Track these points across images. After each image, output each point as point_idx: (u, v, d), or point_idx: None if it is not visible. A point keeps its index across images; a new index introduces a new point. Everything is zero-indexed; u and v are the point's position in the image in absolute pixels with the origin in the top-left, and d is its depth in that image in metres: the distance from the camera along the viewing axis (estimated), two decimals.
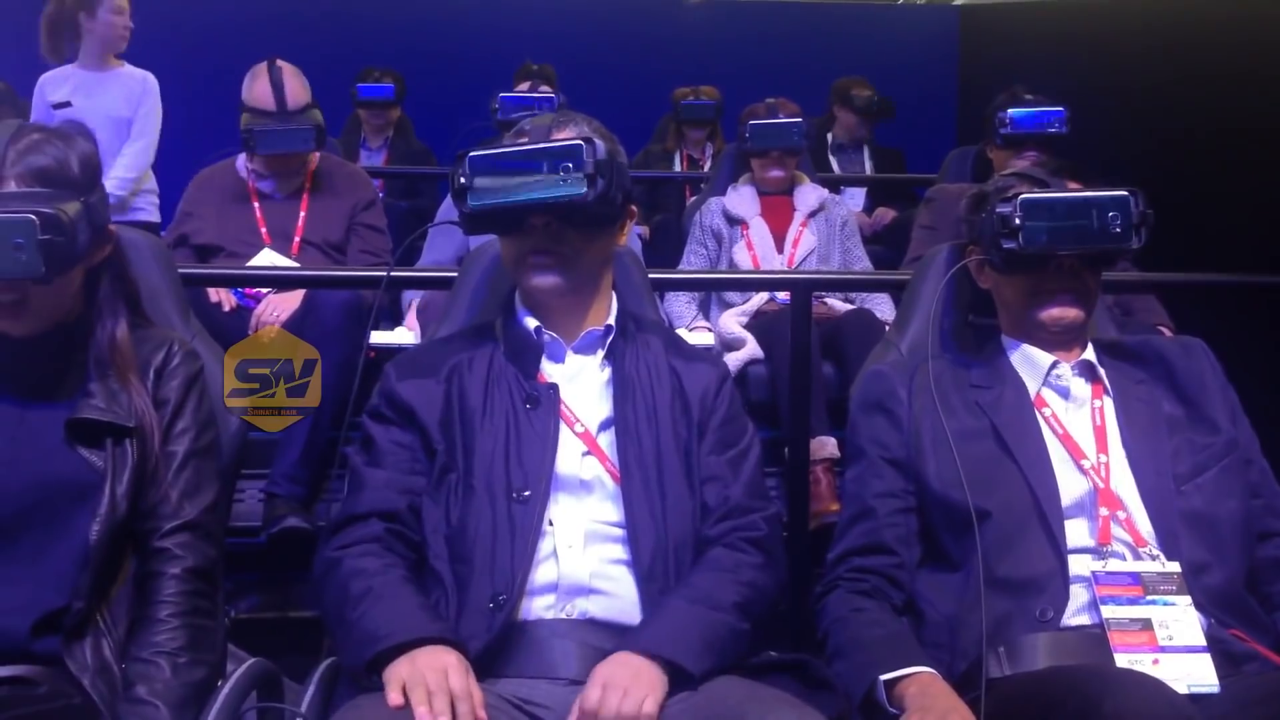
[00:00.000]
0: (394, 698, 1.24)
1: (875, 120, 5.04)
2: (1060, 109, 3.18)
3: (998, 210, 1.59)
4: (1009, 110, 3.18)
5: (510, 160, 1.47)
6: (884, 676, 1.40)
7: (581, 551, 1.45)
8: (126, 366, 1.47)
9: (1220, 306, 3.01)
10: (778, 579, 1.52)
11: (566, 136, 1.50)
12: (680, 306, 3.29)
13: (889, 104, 5.01)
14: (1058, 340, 1.63)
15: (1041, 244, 1.57)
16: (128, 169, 3.71)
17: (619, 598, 1.44)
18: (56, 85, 3.75)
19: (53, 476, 1.40)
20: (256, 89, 2.93)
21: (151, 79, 3.83)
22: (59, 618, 1.36)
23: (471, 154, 1.47)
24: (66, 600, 1.37)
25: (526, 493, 1.44)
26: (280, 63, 2.97)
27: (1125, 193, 1.58)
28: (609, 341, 1.57)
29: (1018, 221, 1.56)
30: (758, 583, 1.47)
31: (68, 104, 3.69)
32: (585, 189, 1.44)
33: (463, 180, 1.47)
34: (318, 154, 3.08)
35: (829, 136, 5.04)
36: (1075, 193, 1.60)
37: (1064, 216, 1.57)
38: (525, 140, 1.51)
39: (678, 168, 5.01)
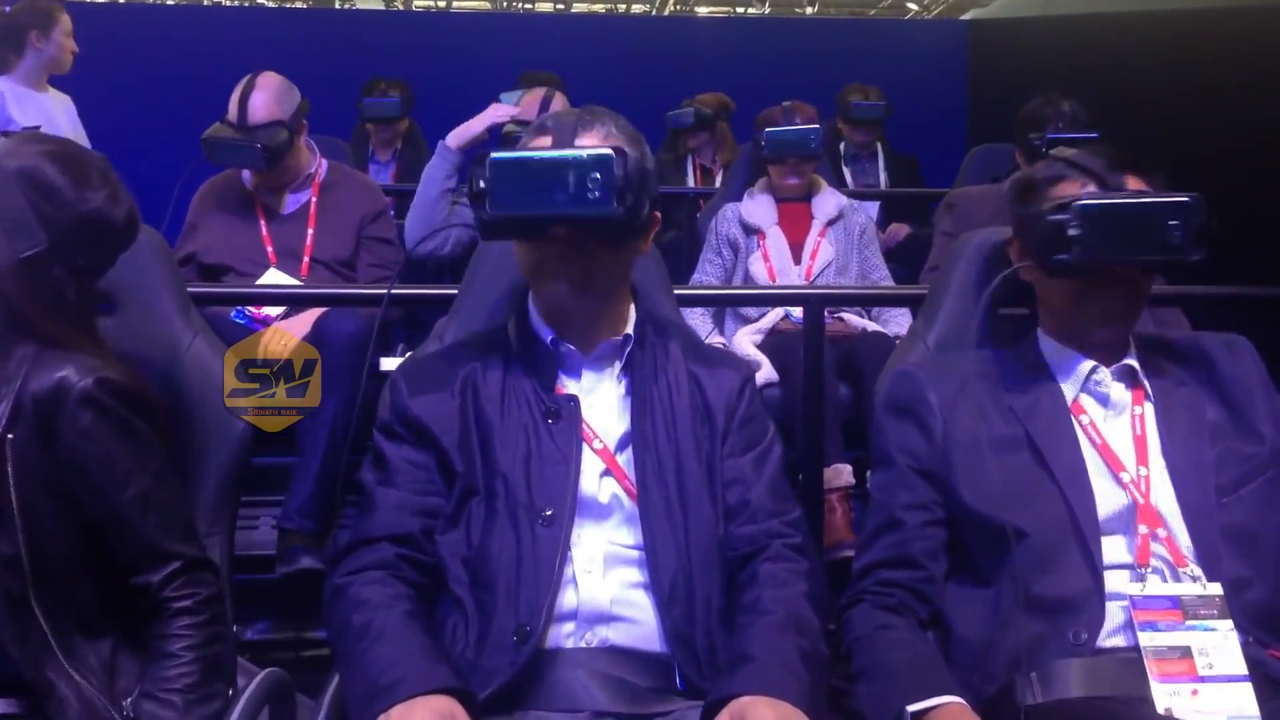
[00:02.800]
0: None
1: (864, 125, 4.99)
2: (1094, 134, 3.13)
3: (1049, 219, 1.49)
4: (1044, 134, 3.13)
5: (536, 167, 1.39)
6: (911, 708, 1.34)
7: (601, 577, 1.40)
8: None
9: (1243, 320, 2.96)
10: (823, 583, 1.47)
11: (593, 142, 1.44)
12: (694, 320, 3.25)
13: (877, 109, 4.96)
14: (1100, 345, 1.57)
15: (1096, 258, 1.48)
16: None
17: (641, 624, 1.39)
18: (20, 103, 3.69)
19: None
20: (232, 98, 2.92)
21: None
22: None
23: (494, 156, 1.39)
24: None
25: (549, 513, 1.40)
26: (262, 76, 2.93)
27: (1187, 198, 1.47)
28: (627, 352, 1.52)
29: (1072, 233, 1.46)
30: (815, 594, 1.42)
31: (38, 128, 3.66)
32: (615, 205, 1.37)
33: (483, 184, 1.39)
34: (325, 165, 3.05)
35: (841, 147, 5.00)
36: (1134, 198, 1.50)
37: (1122, 226, 1.47)
38: (549, 140, 1.45)
39: (689, 177, 4.98)
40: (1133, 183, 1.54)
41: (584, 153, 1.38)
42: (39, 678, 1.32)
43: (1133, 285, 1.54)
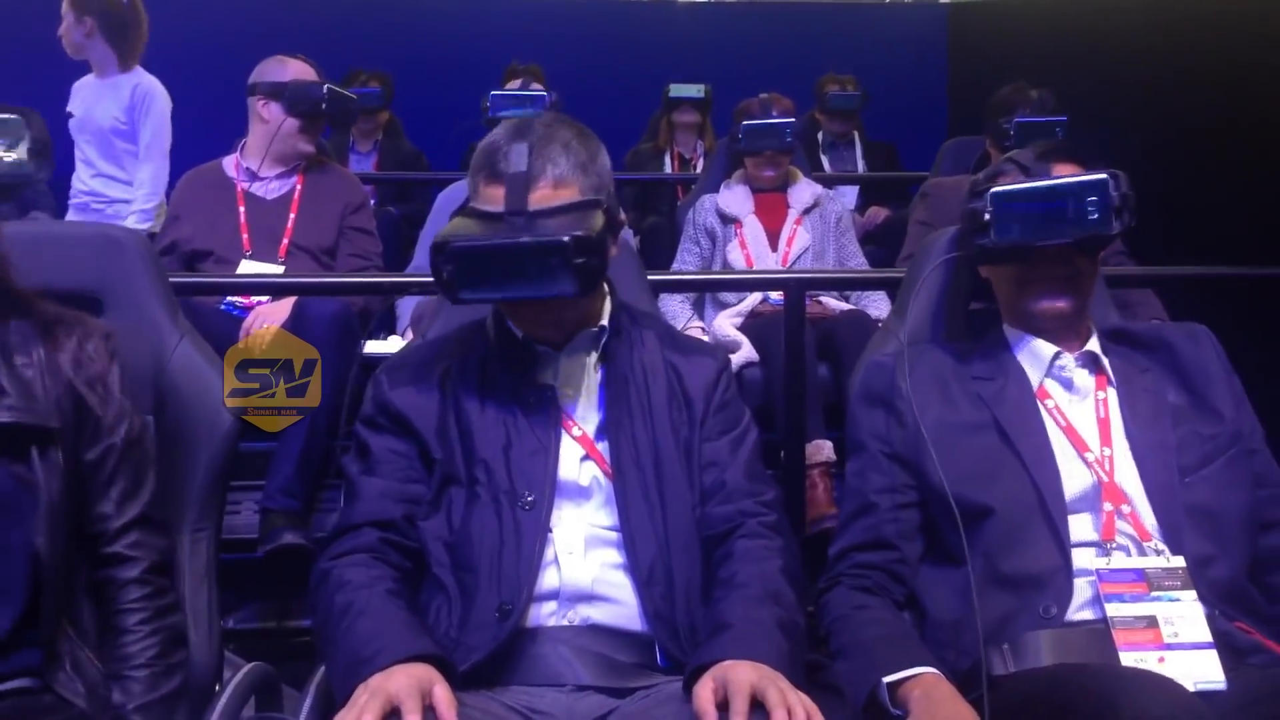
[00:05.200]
0: (346, 716, 1.18)
1: (840, 116, 5.02)
2: (1062, 117, 3.18)
3: (970, 206, 1.57)
4: (1013, 119, 3.17)
5: (497, 256, 1.39)
6: (887, 679, 1.38)
7: (582, 558, 1.43)
8: (37, 359, 1.37)
9: (1217, 300, 3.00)
10: (798, 559, 1.49)
11: (547, 192, 1.43)
12: (674, 306, 3.27)
13: (852, 99, 4.98)
14: (1054, 329, 1.62)
15: (1014, 237, 1.54)
16: (146, 198, 3.70)
17: (621, 603, 1.42)
18: (75, 94, 3.80)
19: None
20: (292, 67, 2.98)
21: (155, 88, 3.79)
22: (19, 641, 1.30)
23: (454, 245, 1.38)
24: (13, 623, 1.29)
25: (530, 498, 1.43)
26: None
27: (1103, 176, 1.54)
28: (603, 342, 1.55)
29: (987, 217, 1.54)
30: (791, 569, 1.45)
31: (70, 115, 3.75)
32: (576, 286, 1.38)
33: (446, 275, 1.40)
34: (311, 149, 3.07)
35: (819, 135, 5.02)
36: (1047, 180, 1.56)
37: (1036, 207, 1.53)
38: (500, 193, 1.42)
39: (668, 166, 4.99)
40: (1064, 170, 1.60)
41: (540, 240, 1.38)
42: (51, 655, 1.32)
43: (1069, 265, 1.59)
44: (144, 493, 1.42)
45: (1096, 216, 1.52)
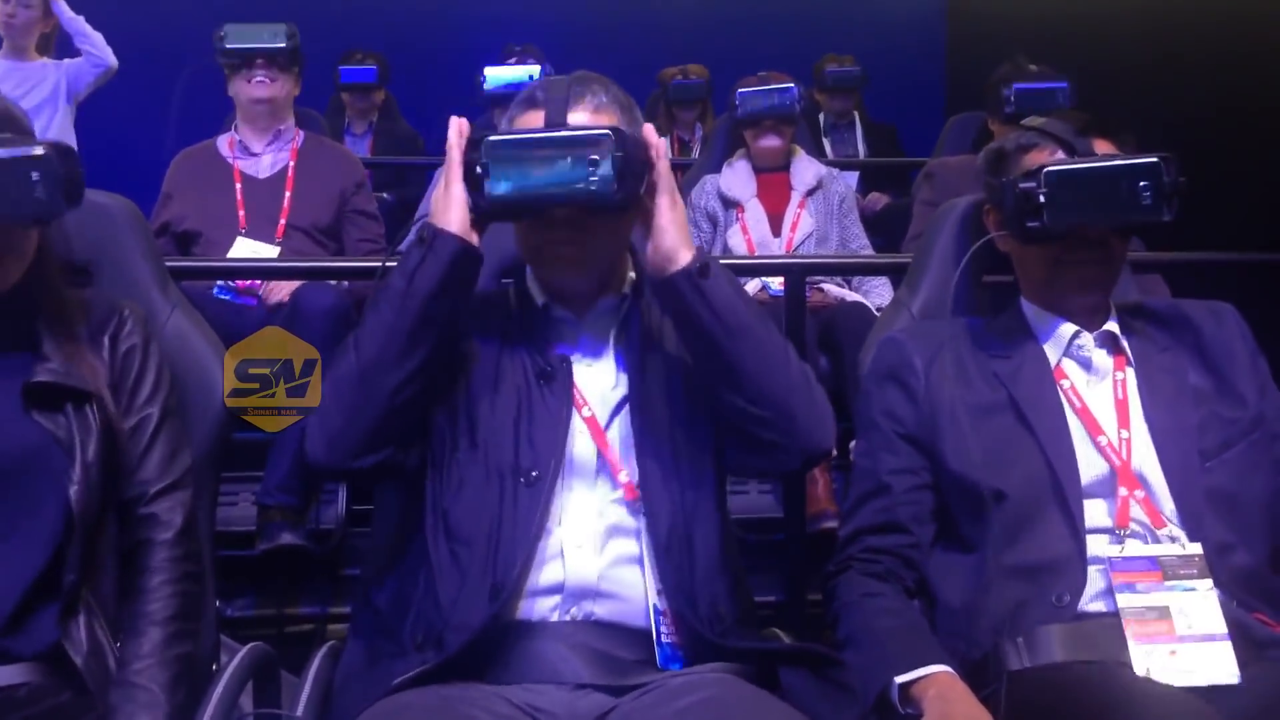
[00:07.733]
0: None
1: (841, 94, 5.00)
2: (1064, 82, 3.13)
3: (1020, 186, 1.49)
4: (1012, 86, 3.13)
5: (533, 146, 1.36)
6: (899, 679, 1.35)
7: (590, 553, 1.39)
8: (79, 331, 1.43)
9: (1224, 285, 2.98)
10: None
11: (586, 115, 1.42)
12: None
13: (852, 75, 4.97)
14: (1079, 311, 1.57)
15: (1066, 222, 1.48)
16: None
17: (626, 600, 1.39)
18: None
19: (14, 447, 1.34)
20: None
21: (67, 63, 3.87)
22: (40, 598, 1.31)
23: (491, 137, 1.35)
24: (39, 575, 1.31)
25: (534, 473, 1.39)
26: None
27: (1155, 159, 1.48)
28: (624, 311, 1.51)
29: (1042, 199, 1.47)
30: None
31: None
32: (614, 186, 1.33)
33: (480, 168, 1.36)
34: (301, 134, 3.03)
35: (821, 118, 5.00)
36: (1102, 161, 1.50)
37: (1091, 189, 1.47)
38: (540, 115, 1.42)
39: (667, 148, 4.96)
40: (1102, 146, 1.54)
41: (581, 132, 1.36)
42: (70, 609, 1.33)
43: (1106, 248, 1.55)
44: (181, 462, 1.47)
45: (1149, 203, 1.47)
